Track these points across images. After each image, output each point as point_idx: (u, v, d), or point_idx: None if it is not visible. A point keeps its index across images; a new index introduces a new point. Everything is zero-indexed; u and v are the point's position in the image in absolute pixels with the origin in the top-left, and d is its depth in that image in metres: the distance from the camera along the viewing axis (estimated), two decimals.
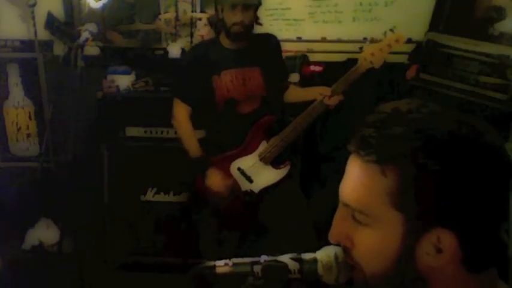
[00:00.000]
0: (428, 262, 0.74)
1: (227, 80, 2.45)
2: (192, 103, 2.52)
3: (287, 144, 2.48)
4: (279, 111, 2.58)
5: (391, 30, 2.35)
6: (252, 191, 2.53)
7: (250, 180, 2.53)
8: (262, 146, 2.51)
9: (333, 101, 2.39)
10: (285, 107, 2.67)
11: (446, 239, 0.72)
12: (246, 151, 2.52)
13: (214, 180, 2.47)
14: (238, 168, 2.53)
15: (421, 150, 0.70)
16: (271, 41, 2.57)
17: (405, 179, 0.72)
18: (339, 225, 0.81)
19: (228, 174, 2.53)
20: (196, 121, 2.58)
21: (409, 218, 0.73)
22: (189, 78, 2.50)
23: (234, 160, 2.53)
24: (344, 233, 0.81)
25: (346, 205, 0.80)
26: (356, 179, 0.78)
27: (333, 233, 0.82)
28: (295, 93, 2.65)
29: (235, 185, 2.53)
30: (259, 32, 2.50)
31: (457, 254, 0.73)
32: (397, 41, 2.35)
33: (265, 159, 2.50)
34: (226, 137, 2.51)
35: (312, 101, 2.46)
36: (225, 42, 2.46)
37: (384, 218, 0.75)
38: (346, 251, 0.82)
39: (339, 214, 0.82)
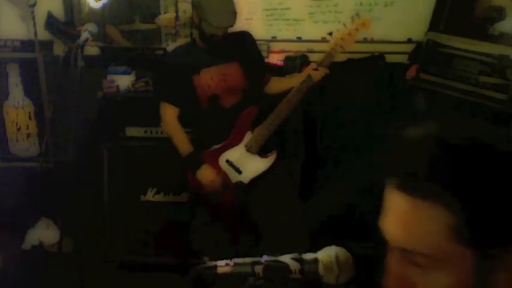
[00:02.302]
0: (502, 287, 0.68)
1: (207, 78, 2.53)
2: (180, 104, 2.60)
3: (272, 133, 2.54)
4: (261, 102, 2.63)
5: (357, 15, 2.45)
6: (242, 182, 2.57)
7: (239, 172, 2.57)
8: (248, 137, 2.56)
9: (318, 75, 2.47)
10: (268, 97, 2.71)
11: None
12: (233, 143, 2.58)
13: (205, 174, 2.54)
14: (227, 161, 2.58)
15: (478, 178, 0.65)
16: (246, 37, 2.65)
17: (469, 212, 0.65)
18: (396, 271, 0.73)
19: (217, 168, 2.58)
20: (184, 120, 2.64)
21: (479, 250, 0.67)
22: (172, 81, 2.58)
23: (222, 153, 2.58)
24: (403, 278, 0.72)
25: (402, 249, 0.72)
26: (411, 219, 0.69)
27: (391, 281, 0.74)
28: (277, 85, 2.71)
29: (226, 179, 2.57)
30: (234, 31, 2.55)
31: None
32: (363, 24, 2.46)
33: (251, 149, 2.55)
34: (213, 131, 2.57)
35: None
36: (200, 42, 2.54)
37: (452, 256, 0.68)
38: None
39: (393, 259, 0.73)
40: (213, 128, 2.57)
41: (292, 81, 2.59)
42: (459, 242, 0.67)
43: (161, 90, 2.74)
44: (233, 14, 2.40)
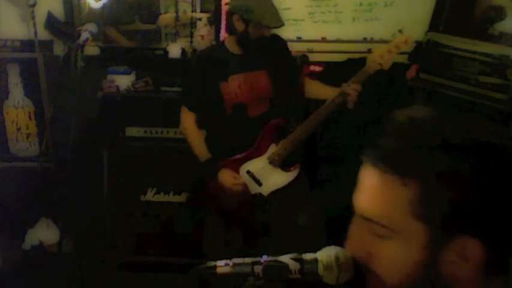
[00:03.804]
0: (452, 270, 0.72)
1: (235, 85, 2.46)
2: (198, 111, 2.54)
3: (296, 147, 2.47)
4: (287, 114, 2.57)
5: (400, 31, 2.33)
6: (261, 194, 2.52)
7: (260, 183, 2.52)
8: (272, 149, 2.51)
9: (354, 92, 2.38)
10: (294, 109, 2.66)
11: (472, 246, 0.70)
12: (256, 154, 2.52)
13: (227, 177, 2.48)
14: (248, 172, 2.53)
15: (441, 160, 0.69)
16: (277, 43, 2.57)
17: (427, 190, 0.70)
18: (357, 238, 0.79)
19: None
20: (205, 124, 2.61)
21: (432, 228, 0.71)
22: (196, 86, 2.52)
23: (243, 163, 2.53)
24: (362, 246, 0.78)
25: (364, 218, 0.77)
26: (374, 190, 0.75)
27: (350, 246, 0.80)
28: (315, 89, 2.64)
29: (245, 189, 2.52)
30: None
31: (481, 260, 0.71)
32: (405, 42, 2.35)
33: (274, 162, 2.49)
34: (236, 140, 2.52)
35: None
36: (232, 47, 2.46)
37: (406, 230, 0.72)
38: (365, 263, 0.79)
39: (356, 227, 0.79)
40: (236, 136, 2.51)
41: (330, 93, 2.48)
42: (415, 217, 0.71)
43: (183, 93, 2.71)
44: (280, 14, 2.36)
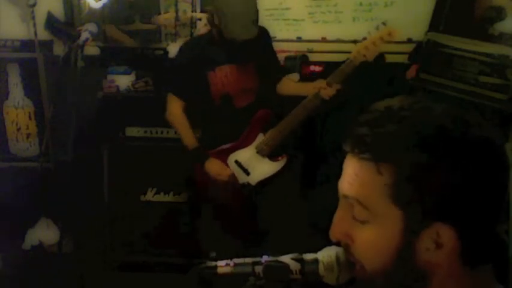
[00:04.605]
0: (428, 257, 0.74)
1: (222, 76, 2.50)
2: (187, 98, 2.56)
3: (284, 137, 2.52)
4: (275, 105, 2.61)
5: (383, 23, 2.38)
6: (248, 184, 2.56)
7: (247, 173, 2.56)
8: (259, 139, 2.55)
9: (329, 92, 2.41)
10: (282, 101, 2.69)
11: (446, 233, 0.72)
12: (243, 144, 2.56)
13: (214, 167, 2.52)
14: (236, 161, 2.57)
15: (414, 147, 0.71)
16: (263, 35, 2.58)
17: (401, 176, 0.72)
18: (339, 223, 0.81)
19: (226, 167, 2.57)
20: (194, 117, 2.62)
21: (408, 214, 0.73)
22: (184, 74, 2.53)
23: (231, 153, 2.57)
24: (344, 230, 0.80)
25: (345, 197, 0.80)
26: (354, 175, 0.78)
27: (333, 231, 0.82)
28: (289, 86, 2.68)
29: (233, 178, 2.56)
30: None
31: (456, 249, 0.73)
32: (389, 34, 2.38)
33: (262, 152, 2.54)
34: (224, 131, 2.56)
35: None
36: (219, 40, 2.48)
37: (383, 214, 0.75)
38: (347, 248, 0.82)
39: (339, 212, 0.82)
40: (224, 126, 2.55)
41: (303, 89, 2.55)
42: (392, 202, 0.73)
43: (170, 81, 2.70)
44: (254, 24, 2.35)
